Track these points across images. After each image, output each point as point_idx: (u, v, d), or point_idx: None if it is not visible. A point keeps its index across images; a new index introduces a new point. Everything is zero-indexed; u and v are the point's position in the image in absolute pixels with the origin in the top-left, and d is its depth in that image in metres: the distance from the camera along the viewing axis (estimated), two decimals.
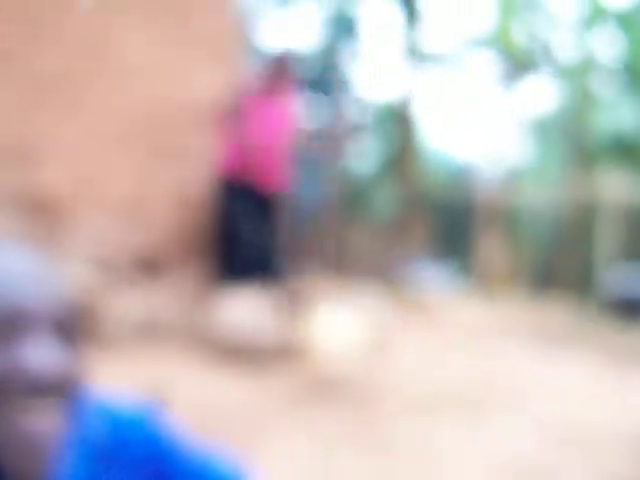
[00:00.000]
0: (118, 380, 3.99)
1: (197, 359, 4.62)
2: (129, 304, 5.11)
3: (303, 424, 3.67)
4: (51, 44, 5.15)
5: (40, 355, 0.88)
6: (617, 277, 8.63)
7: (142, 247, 5.49)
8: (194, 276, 5.72)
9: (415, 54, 15.40)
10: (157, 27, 5.49)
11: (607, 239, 9.46)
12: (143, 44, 5.44)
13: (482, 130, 21.95)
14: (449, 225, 16.68)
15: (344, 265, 15.15)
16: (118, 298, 5.01)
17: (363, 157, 24.24)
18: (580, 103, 15.17)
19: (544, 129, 19.00)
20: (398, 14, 16.30)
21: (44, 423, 0.88)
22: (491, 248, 12.00)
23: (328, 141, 6.27)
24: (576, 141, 14.91)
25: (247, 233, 5.54)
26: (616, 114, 17.86)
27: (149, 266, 5.59)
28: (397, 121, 18.72)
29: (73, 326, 0.93)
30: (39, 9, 5.11)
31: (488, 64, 16.06)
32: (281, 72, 5.41)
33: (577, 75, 15.25)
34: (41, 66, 5.13)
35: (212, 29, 5.67)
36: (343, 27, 18.98)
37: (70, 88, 5.24)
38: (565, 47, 15.30)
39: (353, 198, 18.12)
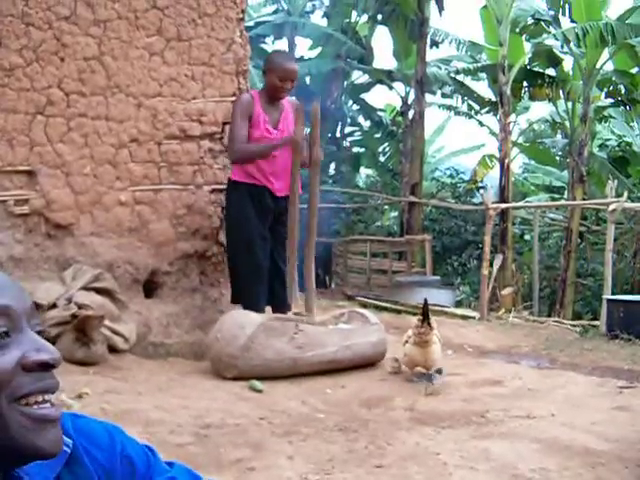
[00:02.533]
0: (122, 396, 3.99)
1: None
2: (131, 321, 5.11)
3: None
4: (52, 64, 5.19)
5: (40, 341, 1.00)
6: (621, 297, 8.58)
7: (145, 265, 5.49)
8: (201, 294, 5.71)
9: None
10: (159, 43, 5.53)
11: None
12: (146, 61, 5.47)
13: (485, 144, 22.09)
14: (453, 245, 16.70)
15: (346, 284, 15.13)
16: (121, 315, 5.01)
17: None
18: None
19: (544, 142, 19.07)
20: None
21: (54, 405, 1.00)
22: (498, 268, 11.94)
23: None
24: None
25: (261, 252, 5.48)
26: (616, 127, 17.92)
27: (151, 284, 5.60)
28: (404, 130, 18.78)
29: (36, 318, 1.04)
30: (40, 30, 5.15)
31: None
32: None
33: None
34: (42, 86, 5.17)
35: (215, 44, 5.71)
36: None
37: (72, 107, 5.27)
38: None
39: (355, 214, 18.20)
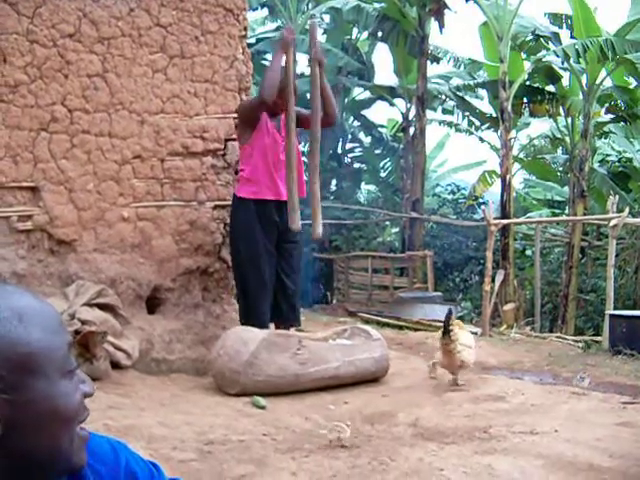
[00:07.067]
0: (124, 412, 3.99)
1: None
2: (134, 337, 5.11)
3: None
4: (56, 81, 5.21)
5: (81, 373, 1.08)
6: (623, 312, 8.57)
7: (148, 281, 5.50)
8: (203, 309, 5.71)
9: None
10: (162, 61, 5.56)
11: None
12: (149, 78, 5.51)
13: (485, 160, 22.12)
14: (455, 261, 16.70)
15: (348, 299, 15.12)
16: (123, 331, 5.01)
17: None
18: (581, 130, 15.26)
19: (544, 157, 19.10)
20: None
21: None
22: (499, 283, 11.92)
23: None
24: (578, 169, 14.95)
25: (266, 267, 5.49)
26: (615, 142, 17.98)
27: (154, 300, 5.60)
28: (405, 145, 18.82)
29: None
30: (44, 47, 5.19)
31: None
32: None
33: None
34: (46, 102, 5.19)
35: (218, 61, 5.74)
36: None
37: (75, 124, 5.30)
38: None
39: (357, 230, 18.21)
